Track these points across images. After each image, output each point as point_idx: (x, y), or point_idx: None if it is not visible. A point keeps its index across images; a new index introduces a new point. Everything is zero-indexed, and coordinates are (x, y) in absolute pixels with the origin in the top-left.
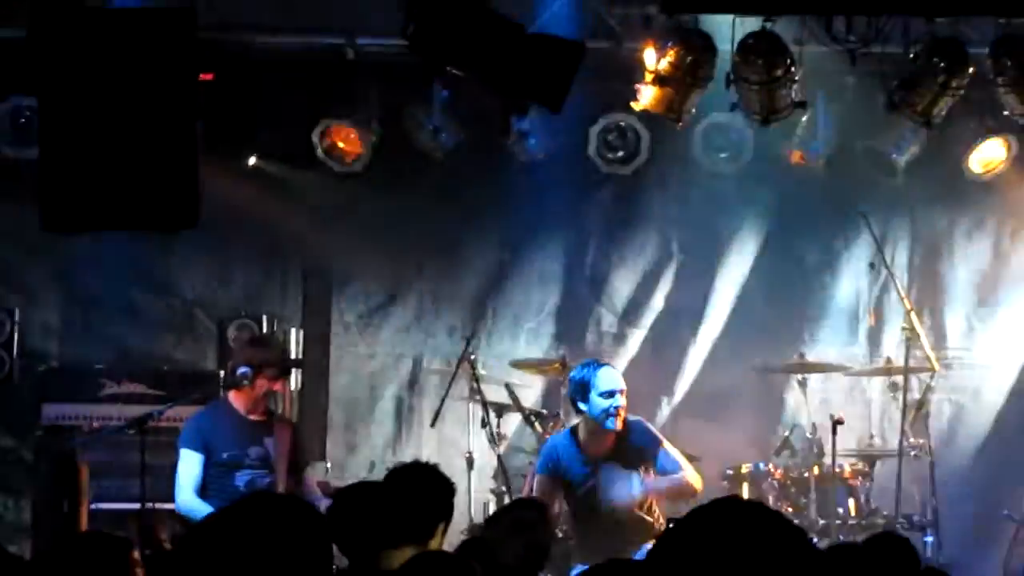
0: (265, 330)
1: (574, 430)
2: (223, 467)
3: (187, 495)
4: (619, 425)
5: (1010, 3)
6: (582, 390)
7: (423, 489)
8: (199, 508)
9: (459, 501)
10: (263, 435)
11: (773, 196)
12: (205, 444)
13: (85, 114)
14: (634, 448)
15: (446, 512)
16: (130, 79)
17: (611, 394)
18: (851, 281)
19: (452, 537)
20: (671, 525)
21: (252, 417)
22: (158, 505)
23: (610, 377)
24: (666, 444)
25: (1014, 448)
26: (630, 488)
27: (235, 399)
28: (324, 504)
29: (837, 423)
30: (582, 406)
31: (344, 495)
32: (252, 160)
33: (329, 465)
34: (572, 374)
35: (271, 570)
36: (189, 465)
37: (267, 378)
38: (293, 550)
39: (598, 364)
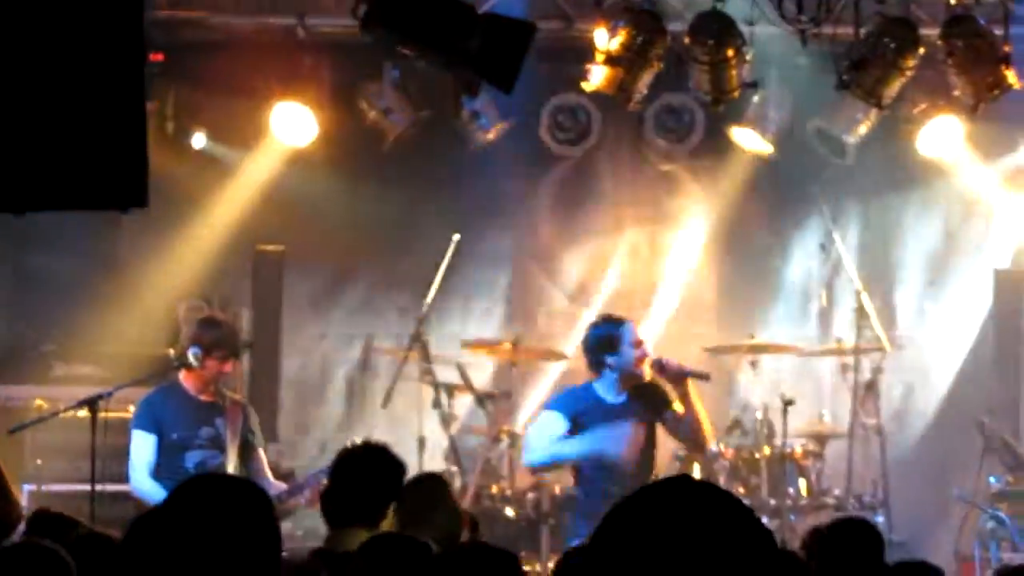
0: (215, 311)
1: (587, 387)
2: (174, 447)
3: (140, 476)
4: (648, 373)
5: None
6: (610, 343)
7: (373, 470)
8: (152, 490)
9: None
10: (214, 416)
11: (724, 177)
12: (157, 424)
13: (32, 95)
14: (649, 395)
15: (396, 492)
16: (78, 59)
17: (640, 343)
18: (802, 262)
19: None
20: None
21: (203, 398)
22: (109, 487)
23: (635, 329)
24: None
25: (964, 428)
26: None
27: (186, 380)
28: (275, 486)
29: (788, 404)
30: (611, 359)
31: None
32: (202, 139)
33: (280, 447)
34: (594, 331)
35: (218, 552)
36: (142, 446)
37: (217, 359)
38: (239, 532)
39: (620, 319)
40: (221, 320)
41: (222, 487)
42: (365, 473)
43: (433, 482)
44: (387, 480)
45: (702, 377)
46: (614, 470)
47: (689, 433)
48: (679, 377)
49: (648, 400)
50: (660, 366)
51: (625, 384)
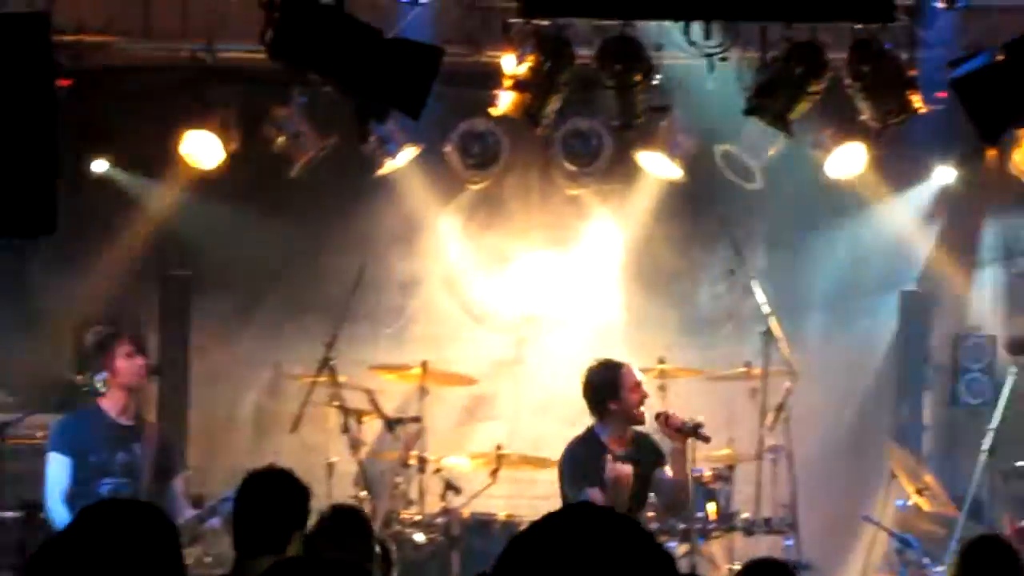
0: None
1: (591, 434)
2: (91, 471)
3: (52, 502)
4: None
5: (867, 9)
6: (612, 388)
7: (277, 496)
8: (60, 517)
9: (320, 508)
10: (131, 440)
11: (633, 201)
12: (73, 448)
13: None
14: (649, 448)
15: (302, 518)
16: None
17: (638, 385)
18: (711, 287)
19: None
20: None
21: (122, 420)
22: (8, 514)
23: (633, 372)
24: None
25: (871, 451)
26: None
27: (105, 403)
28: (189, 512)
29: (696, 428)
30: (613, 406)
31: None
32: (104, 165)
33: (190, 472)
34: (593, 377)
35: None
36: (57, 470)
37: (125, 356)
38: (141, 558)
39: (617, 363)
40: (115, 333)
41: (125, 512)
42: (269, 499)
43: (350, 516)
44: (292, 506)
45: (704, 439)
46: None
47: (673, 495)
48: (681, 434)
49: (647, 453)
50: (665, 419)
51: (627, 429)
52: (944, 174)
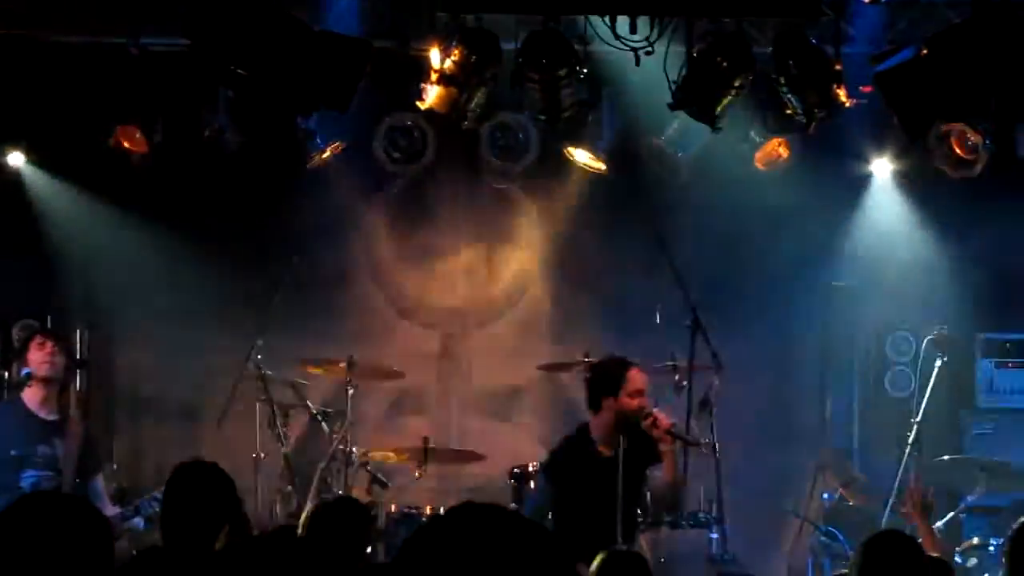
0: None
1: (580, 432)
2: (10, 463)
3: None
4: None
5: (793, 4)
6: (613, 385)
7: (204, 488)
8: None
9: (247, 501)
10: (53, 435)
11: (559, 195)
12: None
13: None
14: (640, 450)
15: (229, 510)
16: None
17: (639, 392)
18: (636, 279)
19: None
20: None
21: (44, 415)
22: None
23: (638, 377)
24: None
25: (797, 446)
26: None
27: (27, 397)
28: (111, 510)
29: (685, 432)
30: (607, 403)
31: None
32: (20, 158)
33: (116, 467)
34: (598, 369)
35: (50, 571)
36: None
37: (37, 345)
38: (71, 551)
39: (625, 364)
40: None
41: (56, 505)
42: (196, 491)
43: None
44: (218, 498)
45: (694, 443)
46: None
47: (663, 494)
48: (670, 436)
49: (641, 449)
50: (654, 421)
51: (618, 428)
52: (880, 167)
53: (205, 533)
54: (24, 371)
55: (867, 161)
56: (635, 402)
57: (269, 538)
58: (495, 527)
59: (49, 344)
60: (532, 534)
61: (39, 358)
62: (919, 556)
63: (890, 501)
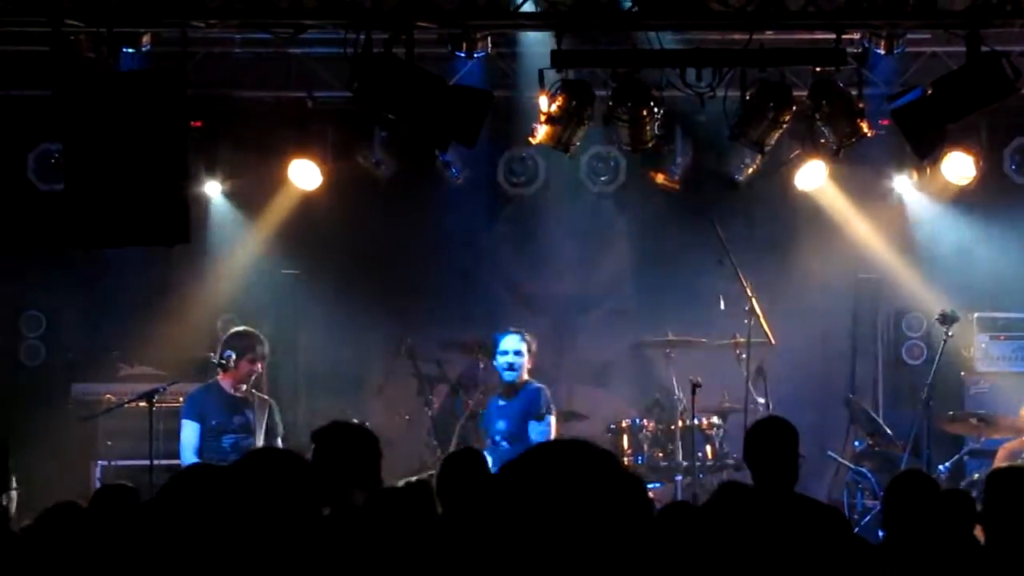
0: (237, 323)
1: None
2: (213, 432)
3: (187, 455)
4: (513, 378)
5: (824, 56)
6: (492, 349)
7: (353, 443)
8: None
9: (401, 452)
10: (244, 408)
11: (642, 209)
12: (200, 414)
13: (100, 155)
14: (523, 402)
15: (377, 462)
16: (134, 126)
17: (505, 353)
18: (705, 274)
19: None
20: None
21: (236, 394)
22: (163, 461)
23: (509, 341)
24: (551, 421)
25: (833, 404)
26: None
27: (223, 379)
28: None
29: (696, 386)
30: (493, 361)
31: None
32: (217, 188)
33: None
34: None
35: (278, 509)
36: (189, 432)
37: (247, 361)
38: (289, 493)
39: (505, 331)
40: (250, 331)
41: (277, 458)
42: (342, 447)
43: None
44: (368, 451)
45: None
46: None
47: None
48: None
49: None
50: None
51: (507, 387)
52: (900, 183)
53: (366, 477)
54: (226, 353)
55: (889, 178)
56: (503, 359)
57: (405, 491)
58: (594, 451)
59: (259, 366)
60: (618, 463)
61: (248, 373)
62: (935, 490)
63: (908, 447)
